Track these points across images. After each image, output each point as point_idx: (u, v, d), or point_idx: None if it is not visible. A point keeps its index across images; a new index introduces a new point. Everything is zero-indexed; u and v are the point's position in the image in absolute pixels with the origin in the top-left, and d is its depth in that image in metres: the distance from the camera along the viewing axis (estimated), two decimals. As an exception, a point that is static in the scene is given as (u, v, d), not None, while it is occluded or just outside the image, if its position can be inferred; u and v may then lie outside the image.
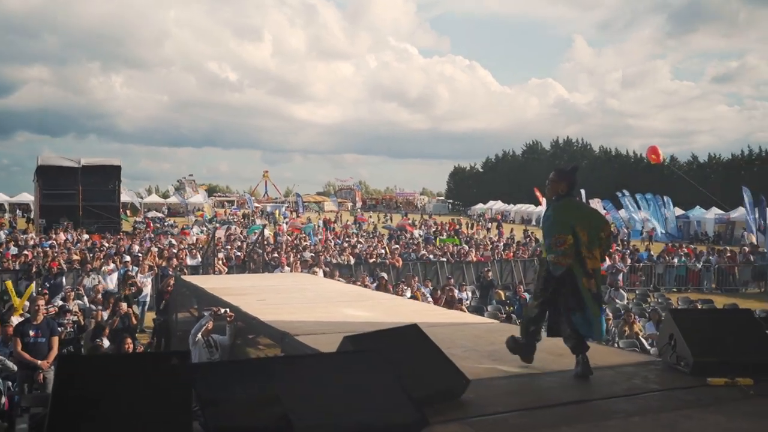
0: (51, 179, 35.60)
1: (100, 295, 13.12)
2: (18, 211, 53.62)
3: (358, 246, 25.95)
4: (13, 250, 21.43)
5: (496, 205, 66.97)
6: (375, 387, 3.43)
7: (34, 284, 13.75)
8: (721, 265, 24.32)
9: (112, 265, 16.90)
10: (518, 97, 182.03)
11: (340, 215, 59.42)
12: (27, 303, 11.13)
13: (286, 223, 40.21)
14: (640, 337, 11.66)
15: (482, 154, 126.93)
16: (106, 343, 9.58)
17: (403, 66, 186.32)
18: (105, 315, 11.53)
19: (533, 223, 51.89)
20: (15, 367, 9.07)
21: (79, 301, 12.62)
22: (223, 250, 22.13)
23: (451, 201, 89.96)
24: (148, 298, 15.81)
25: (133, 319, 11.50)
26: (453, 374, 4.04)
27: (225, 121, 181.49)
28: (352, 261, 21.64)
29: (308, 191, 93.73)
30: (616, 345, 10.61)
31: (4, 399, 8.57)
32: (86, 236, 28.44)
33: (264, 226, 31.14)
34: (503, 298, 17.36)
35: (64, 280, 15.78)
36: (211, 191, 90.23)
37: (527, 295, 15.07)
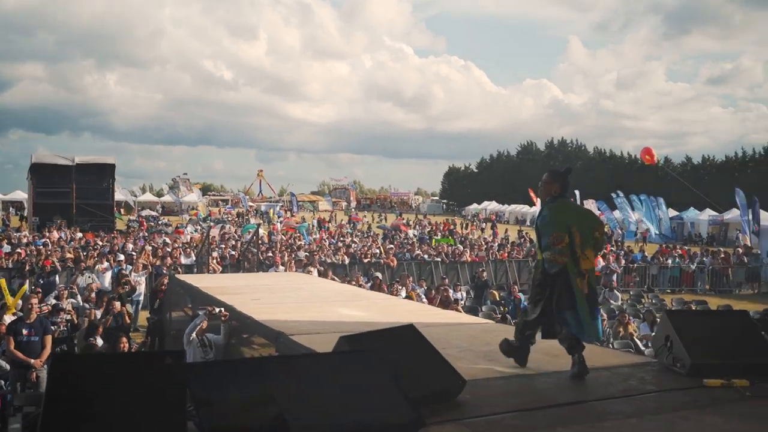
0: (45, 177, 35.48)
1: (93, 294, 13.08)
2: (11, 209, 53.42)
3: (353, 246, 25.94)
4: (7, 248, 21.35)
5: (491, 206, 67.04)
6: (371, 387, 3.41)
7: (27, 283, 13.71)
8: (714, 267, 24.39)
9: (105, 264, 16.85)
10: (513, 97, 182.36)
11: (334, 215, 59.35)
12: (20, 302, 11.10)
13: (281, 223, 40.19)
14: (634, 337, 11.68)
15: (477, 155, 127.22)
16: (99, 342, 9.54)
17: (398, 66, 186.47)
18: (98, 314, 11.50)
19: (527, 223, 51.94)
20: (8, 366, 9.03)
21: (73, 300, 12.58)
22: (217, 249, 22.12)
23: (445, 201, 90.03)
24: (141, 297, 15.78)
25: (127, 318, 11.46)
26: (449, 375, 4.02)
27: (220, 119, 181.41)
28: (347, 261, 21.62)
29: (303, 190, 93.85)
30: (610, 346, 10.61)
31: (-4, 398, 8.52)
32: (80, 234, 28.36)
33: (258, 225, 31.11)
34: (498, 299, 17.38)
35: (57, 278, 15.72)
36: (205, 190, 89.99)
37: (522, 296, 15.10)
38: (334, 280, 15.89)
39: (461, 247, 26.35)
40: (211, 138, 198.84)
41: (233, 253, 22.02)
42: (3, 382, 8.96)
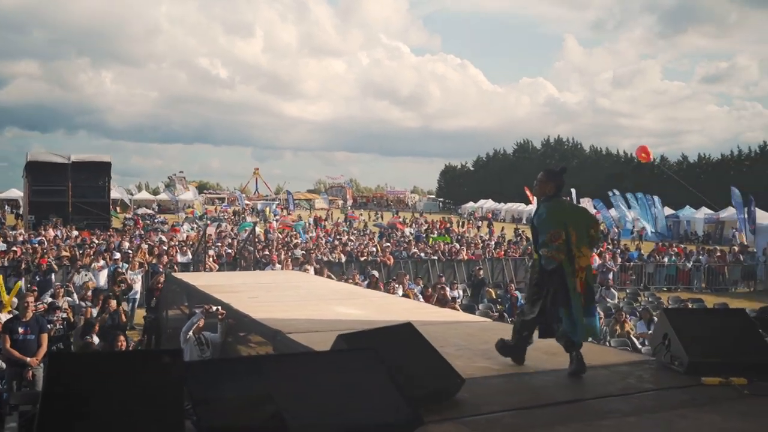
0: (40, 175, 35.33)
1: (90, 292, 13.04)
2: (7, 207, 53.23)
3: (350, 244, 25.92)
4: (2, 246, 21.25)
5: (487, 204, 67.06)
6: (369, 386, 3.39)
7: (22, 281, 13.65)
8: (711, 265, 24.42)
9: (102, 262, 16.80)
10: (509, 95, 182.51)
11: (330, 213, 59.33)
12: (15, 300, 11.06)
13: (277, 221, 40.15)
14: (631, 336, 11.69)
15: (473, 153, 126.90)
16: (96, 340, 9.52)
17: (394, 64, 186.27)
18: (95, 312, 11.46)
19: (524, 221, 51.96)
20: (3, 365, 9.00)
21: (69, 298, 12.52)
22: (213, 247, 22.06)
23: (441, 199, 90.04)
24: (138, 295, 15.74)
25: (123, 316, 11.42)
26: (448, 373, 4.02)
27: (216, 117, 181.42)
28: (344, 259, 21.60)
29: (299, 189, 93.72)
30: (607, 344, 10.62)
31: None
32: (76, 233, 28.28)
33: (255, 223, 31.08)
34: (494, 297, 17.38)
35: (53, 277, 15.68)
36: (201, 188, 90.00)
37: (518, 294, 15.09)
38: (330, 278, 15.89)
39: (458, 245, 26.34)
40: (207, 136, 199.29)
41: (230, 251, 21.97)
42: (-1, 381, 8.93)
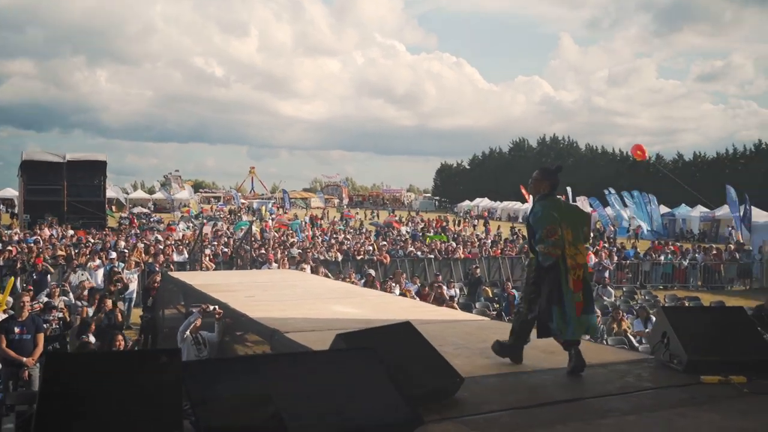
0: (36, 174, 35.28)
1: (86, 292, 13.00)
2: (2, 206, 53.10)
3: (346, 243, 25.89)
4: (-3, 245, 21.21)
5: (483, 202, 67.07)
6: (369, 385, 3.38)
7: (13, 279, 13.56)
8: (707, 263, 24.47)
9: (98, 261, 16.77)
10: (505, 94, 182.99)
11: (326, 212, 59.31)
12: (10, 299, 11.01)
13: (272, 219, 40.10)
14: (628, 334, 11.69)
15: (469, 151, 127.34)
16: (92, 339, 9.49)
17: (390, 62, 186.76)
18: (91, 311, 11.43)
19: (520, 220, 51.94)
20: (-1, 365, 8.96)
21: (65, 298, 12.49)
22: (210, 246, 22.03)
23: (437, 198, 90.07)
24: (134, 295, 15.70)
25: (119, 316, 11.39)
26: (447, 372, 4.00)
27: (211, 116, 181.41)
28: (340, 258, 21.57)
29: (294, 187, 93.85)
30: (604, 342, 10.61)
31: (-12, 396, 8.45)
32: (71, 232, 28.22)
33: (251, 222, 31.02)
34: (491, 295, 17.38)
35: (49, 276, 15.62)
36: (197, 187, 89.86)
37: (515, 292, 15.09)
38: (327, 276, 15.87)
39: (454, 244, 26.34)
40: (203, 135, 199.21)
41: (226, 250, 21.95)
42: (-6, 381, 8.89)
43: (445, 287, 15.28)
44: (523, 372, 4.73)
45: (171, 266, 17.92)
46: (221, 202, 71.18)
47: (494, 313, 13.79)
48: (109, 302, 11.05)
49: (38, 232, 27.10)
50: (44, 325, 9.54)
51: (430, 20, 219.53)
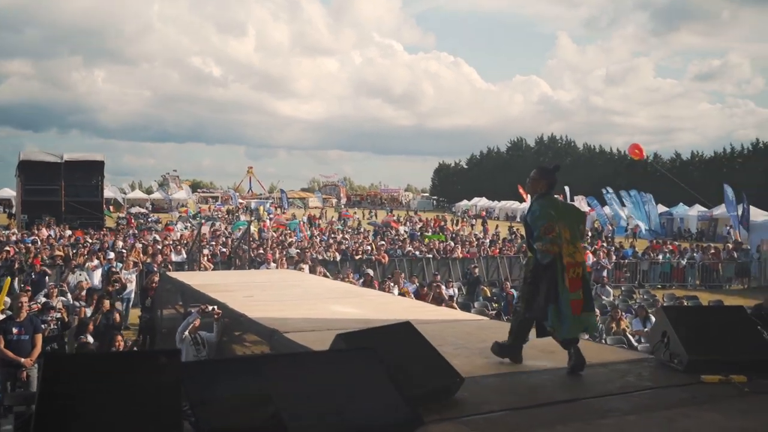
0: (33, 174, 35.16)
1: (84, 292, 12.98)
2: (-1, 206, 53.08)
3: (344, 242, 25.87)
4: (-5, 246, 21.15)
5: (481, 202, 67.07)
6: (369, 386, 3.37)
7: (9, 279, 13.52)
8: (705, 262, 24.49)
9: (96, 262, 16.74)
10: (503, 94, 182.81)
11: (324, 211, 59.27)
12: (7, 299, 10.98)
13: (270, 219, 40.08)
14: (627, 333, 11.69)
15: (467, 151, 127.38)
16: (90, 340, 9.47)
17: (387, 62, 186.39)
18: (89, 312, 11.40)
19: (518, 219, 51.90)
20: (-3, 365, 8.94)
21: (63, 298, 12.46)
22: (208, 246, 21.99)
23: (435, 197, 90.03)
24: (132, 295, 15.67)
25: (117, 316, 11.37)
26: (447, 372, 3.99)
27: (209, 116, 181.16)
28: (338, 257, 21.56)
29: (292, 187, 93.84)
30: (603, 341, 10.61)
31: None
32: (69, 232, 28.17)
33: (249, 222, 30.99)
34: (489, 295, 17.38)
35: (47, 276, 15.58)
36: (195, 187, 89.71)
37: (514, 292, 15.08)
38: (325, 276, 15.86)
39: (452, 244, 26.33)
40: (201, 135, 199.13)
41: (224, 250, 21.92)
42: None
43: (443, 287, 15.27)
44: (523, 372, 4.72)
45: (169, 266, 17.89)
46: (219, 202, 71.06)
47: (493, 312, 13.77)
48: (106, 302, 11.03)
49: (36, 232, 27.04)
50: (42, 326, 9.52)
51: (428, 20, 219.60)
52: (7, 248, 19.42)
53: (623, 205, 41.28)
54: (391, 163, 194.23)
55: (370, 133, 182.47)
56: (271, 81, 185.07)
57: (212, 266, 18.34)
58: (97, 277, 16.01)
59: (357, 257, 21.81)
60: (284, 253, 20.68)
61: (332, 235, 30.27)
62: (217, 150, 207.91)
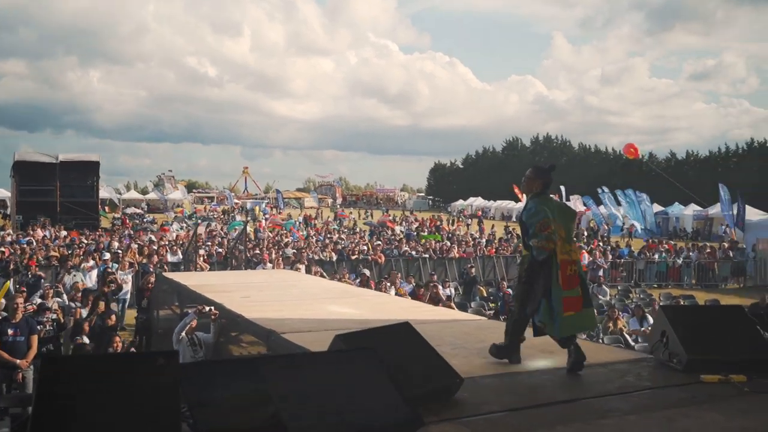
0: (28, 175, 35.08)
1: (79, 293, 12.93)
2: (-6, 207, 52.86)
3: (340, 243, 25.84)
4: (-10, 246, 21.07)
5: (476, 202, 67.07)
6: (369, 386, 3.35)
7: (9, 282, 13.49)
8: (701, 261, 24.55)
9: (91, 262, 16.67)
10: (498, 93, 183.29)
11: (320, 211, 59.24)
12: (3, 301, 10.93)
13: (266, 220, 40.02)
14: (624, 333, 11.70)
15: (462, 151, 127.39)
16: (86, 341, 9.42)
17: (383, 62, 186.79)
18: (84, 313, 11.35)
19: (513, 219, 51.94)
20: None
21: (59, 299, 12.41)
22: (204, 246, 21.93)
23: (431, 197, 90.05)
24: (128, 296, 15.62)
25: (113, 317, 11.32)
26: (447, 372, 3.98)
27: (204, 116, 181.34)
28: (334, 257, 21.52)
29: (288, 187, 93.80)
30: (600, 341, 10.61)
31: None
32: (64, 233, 28.09)
33: (245, 222, 30.94)
34: (486, 295, 17.37)
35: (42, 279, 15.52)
36: (190, 187, 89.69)
37: (510, 291, 15.07)
38: (323, 276, 15.83)
39: (448, 243, 26.32)
40: (196, 135, 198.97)
41: (220, 250, 21.87)
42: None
43: (440, 287, 15.26)
44: (522, 372, 4.71)
45: (165, 267, 17.85)
46: (214, 202, 71.07)
47: (491, 312, 13.77)
48: (102, 303, 10.98)
49: (31, 233, 26.97)
50: (38, 327, 9.47)
51: (423, 20, 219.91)
52: (2, 249, 19.37)
53: (619, 204, 41.35)
54: (386, 163, 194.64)
55: (365, 133, 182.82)
56: (266, 81, 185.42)
57: (208, 267, 18.29)
58: (92, 278, 15.95)
59: (353, 257, 21.78)
60: (281, 253, 20.64)
61: (328, 235, 30.23)
62: (213, 150, 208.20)
